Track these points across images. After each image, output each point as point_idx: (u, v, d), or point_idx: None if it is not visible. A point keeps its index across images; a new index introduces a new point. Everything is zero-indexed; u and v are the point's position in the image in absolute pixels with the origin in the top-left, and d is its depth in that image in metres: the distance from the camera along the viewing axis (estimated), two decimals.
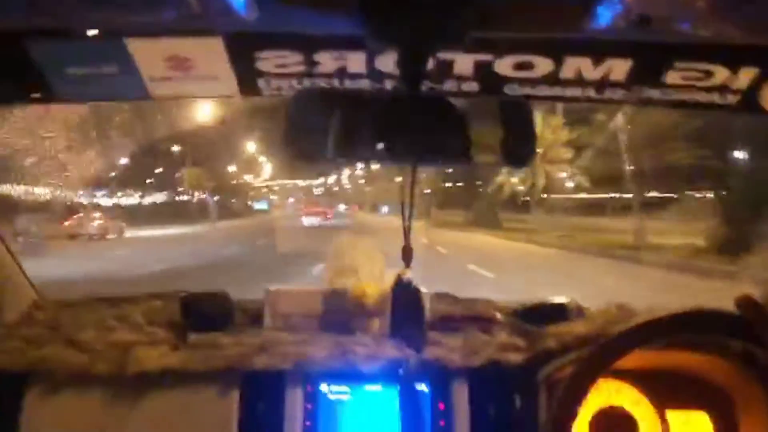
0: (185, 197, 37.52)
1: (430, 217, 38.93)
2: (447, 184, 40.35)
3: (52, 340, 1.46)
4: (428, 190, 43.96)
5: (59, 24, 1.08)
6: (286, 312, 1.57)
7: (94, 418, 1.40)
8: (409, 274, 1.12)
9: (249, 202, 49.99)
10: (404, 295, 1.12)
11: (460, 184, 38.51)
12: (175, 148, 31.10)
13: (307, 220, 34.81)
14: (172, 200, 35.14)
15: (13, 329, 1.51)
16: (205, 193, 36.87)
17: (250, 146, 40.19)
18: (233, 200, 44.72)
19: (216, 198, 38.15)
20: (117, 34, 1.11)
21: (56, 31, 1.11)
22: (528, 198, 26.93)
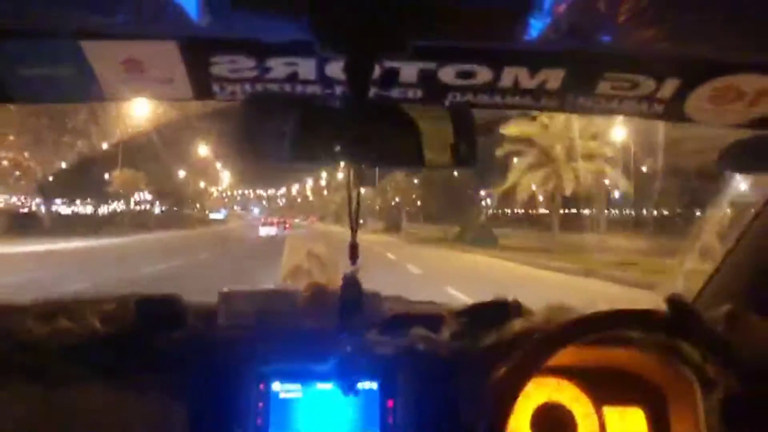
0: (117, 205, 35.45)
1: (401, 230, 38.49)
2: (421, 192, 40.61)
3: (5, 341, 1.45)
4: (397, 199, 42.93)
5: (13, 24, 1.09)
6: (240, 312, 1.60)
7: (47, 416, 1.40)
8: (355, 272, 1.17)
9: (206, 212, 48.79)
10: (349, 293, 1.17)
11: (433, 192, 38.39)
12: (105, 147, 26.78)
13: (263, 230, 35.07)
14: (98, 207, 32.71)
15: None
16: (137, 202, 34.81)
17: (202, 150, 39.18)
18: (175, 208, 43.18)
19: (159, 206, 37.06)
20: (72, 36, 1.13)
21: (10, 32, 1.12)
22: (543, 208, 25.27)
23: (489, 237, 24.54)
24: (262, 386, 1.45)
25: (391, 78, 1.20)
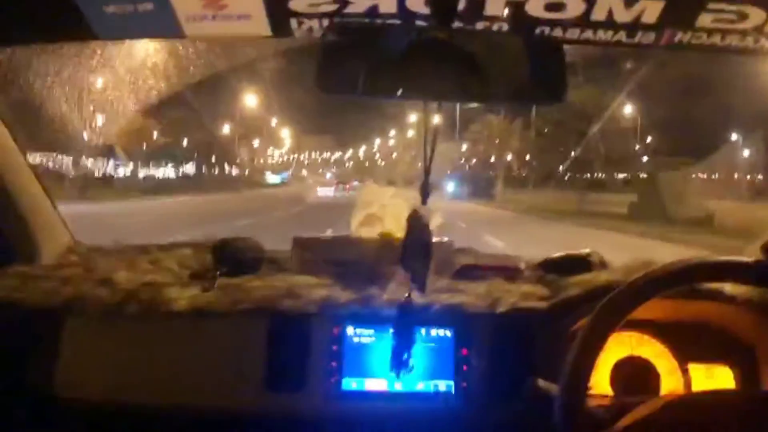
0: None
1: (493, 197, 32.87)
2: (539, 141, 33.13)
3: (86, 280, 1.50)
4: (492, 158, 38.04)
5: None
6: (313, 259, 1.60)
7: (125, 354, 1.45)
8: (423, 212, 1.14)
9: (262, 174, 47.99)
10: (415, 229, 1.14)
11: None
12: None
13: (321, 191, 36.06)
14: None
15: (50, 270, 1.55)
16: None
17: (250, 100, 36.84)
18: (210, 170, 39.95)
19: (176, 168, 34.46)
20: None
21: None
22: None
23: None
24: (336, 330, 1.45)
25: (475, 10, 1.15)
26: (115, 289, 1.47)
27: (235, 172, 43.66)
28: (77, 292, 1.46)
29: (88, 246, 1.76)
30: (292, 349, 1.45)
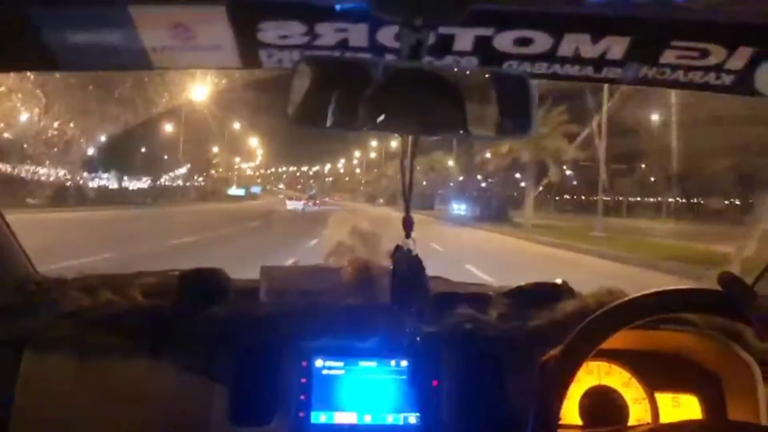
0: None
1: (506, 220, 26.82)
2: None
3: (46, 311, 1.46)
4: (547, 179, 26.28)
5: None
6: (282, 288, 1.58)
7: (87, 384, 1.41)
8: (410, 245, 1.14)
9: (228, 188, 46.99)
10: (405, 264, 1.14)
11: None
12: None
13: (290, 204, 36.04)
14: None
15: (8, 301, 1.51)
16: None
17: (236, 124, 37.35)
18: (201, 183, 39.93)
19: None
20: (121, 2, 1.11)
21: None
22: None
23: None
24: (304, 363, 1.43)
25: (444, 45, 1.16)
26: (75, 320, 1.43)
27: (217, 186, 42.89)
28: (37, 325, 1.42)
29: (49, 276, 1.71)
30: (259, 381, 1.42)
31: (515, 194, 32.87)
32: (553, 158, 26.06)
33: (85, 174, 25.74)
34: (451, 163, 37.41)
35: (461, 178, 36.53)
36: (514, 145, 25.09)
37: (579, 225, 23.70)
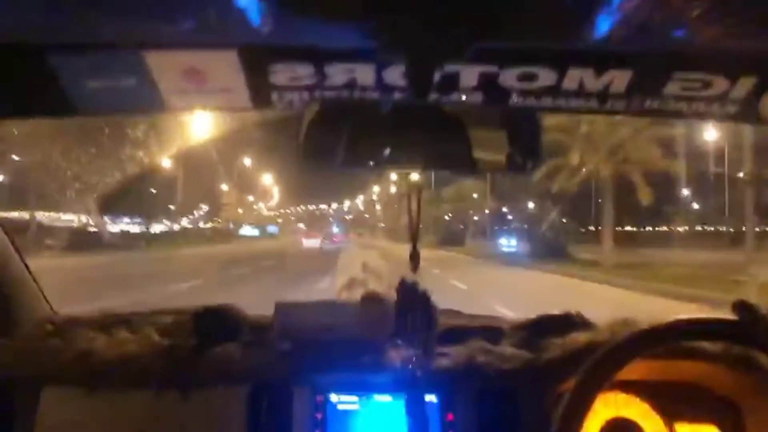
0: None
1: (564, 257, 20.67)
2: None
3: (64, 351, 1.48)
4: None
5: (79, 37, 1.11)
6: (295, 324, 1.59)
7: (103, 427, 1.42)
8: (416, 278, 1.15)
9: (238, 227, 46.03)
10: (409, 298, 1.14)
11: None
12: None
13: (306, 242, 35.94)
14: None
15: (28, 342, 1.53)
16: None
17: (246, 161, 36.77)
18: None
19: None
20: (134, 47, 1.15)
21: (75, 44, 1.14)
22: None
23: None
24: (319, 398, 1.44)
25: (450, 82, 1.18)
26: (93, 360, 1.45)
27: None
28: (54, 364, 1.44)
29: (66, 316, 1.73)
30: (275, 417, 1.43)
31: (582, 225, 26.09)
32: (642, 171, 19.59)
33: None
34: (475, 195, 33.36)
35: (503, 208, 31.54)
36: (585, 157, 19.83)
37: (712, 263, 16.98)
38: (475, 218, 36.06)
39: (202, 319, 1.59)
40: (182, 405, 1.43)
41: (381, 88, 1.23)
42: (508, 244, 27.10)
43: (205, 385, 1.43)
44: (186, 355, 1.48)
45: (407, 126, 1.08)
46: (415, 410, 1.23)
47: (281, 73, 1.21)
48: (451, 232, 34.58)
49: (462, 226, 37.15)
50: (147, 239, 31.54)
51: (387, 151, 1.07)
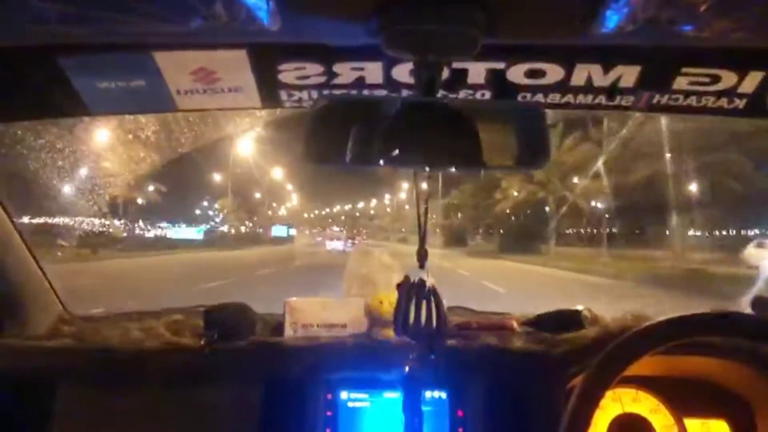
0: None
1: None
2: None
3: (77, 350, 1.49)
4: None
5: (90, 38, 1.12)
6: (305, 322, 1.59)
7: (119, 422, 1.43)
8: (423, 275, 1.15)
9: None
10: (416, 293, 1.14)
11: None
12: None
13: (329, 245, 36.18)
14: None
15: (41, 341, 1.55)
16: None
17: (277, 173, 38.89)
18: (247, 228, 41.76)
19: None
20: (146, 48, 1.16)
21: (87, 46, 1.15)
22: None
23: None
24: (329, 395, 1.44)
25: (459, 79, 1.19)
26: (106, 358, 1.46)
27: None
28: (68, 363, 1.45)
29: (79, 315, 1.75)
30: (286, 415, 1.43)
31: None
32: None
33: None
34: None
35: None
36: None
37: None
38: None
39: (213, 317, 1.59)
40: (194, 402, 1.44)
41: (389, 86, 1.23)
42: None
43: (216, 382, 1.44)
44: (198, 353, 1.49)
45: (415, 123, 1.08)
46: (412, 407, 1.22)
47: (290, 72, 1.22)
48: (455, 234, 39.10)
49: (464, 230, 41.16)
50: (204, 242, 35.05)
51: (395, 149, 1.07)
